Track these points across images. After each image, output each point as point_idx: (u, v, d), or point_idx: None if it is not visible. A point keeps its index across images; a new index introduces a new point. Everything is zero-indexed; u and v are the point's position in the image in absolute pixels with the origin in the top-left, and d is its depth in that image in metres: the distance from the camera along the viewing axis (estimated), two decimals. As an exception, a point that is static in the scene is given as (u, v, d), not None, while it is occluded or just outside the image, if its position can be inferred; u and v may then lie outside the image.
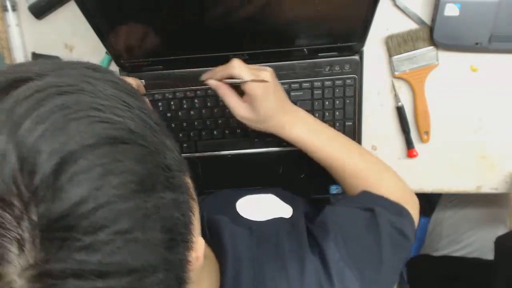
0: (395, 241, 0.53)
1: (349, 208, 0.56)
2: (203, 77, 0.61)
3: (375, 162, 0.63)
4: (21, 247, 0.23)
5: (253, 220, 0.56)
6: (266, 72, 0.57)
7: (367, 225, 0.53)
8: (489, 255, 0.92)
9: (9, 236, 0.23)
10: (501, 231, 0.92)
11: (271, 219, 0.56)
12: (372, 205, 0.55)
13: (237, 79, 0.56)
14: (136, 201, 0.26)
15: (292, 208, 0.62)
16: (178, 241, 0.30)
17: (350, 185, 0.62)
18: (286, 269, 0.47)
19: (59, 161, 0.24)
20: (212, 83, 0.58)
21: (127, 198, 0.26)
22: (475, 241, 0.94)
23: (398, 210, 0.56)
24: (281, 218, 0.57)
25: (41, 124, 0.25)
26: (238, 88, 0.58)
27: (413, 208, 0.59)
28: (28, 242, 0.23)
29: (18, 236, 0.23)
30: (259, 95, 0.56)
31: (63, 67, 0.30)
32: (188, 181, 0.34)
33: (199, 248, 0.34)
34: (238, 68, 0.55)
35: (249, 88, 0.56)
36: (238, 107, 0.58)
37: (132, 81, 0.62)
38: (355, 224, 0.53)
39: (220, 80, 0.58)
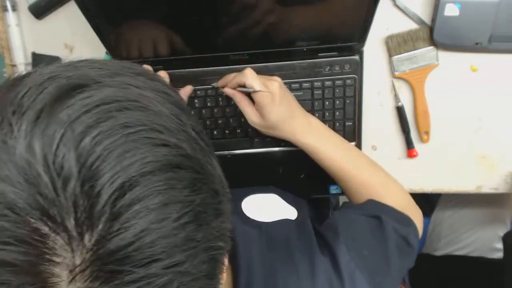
0: (400, 249, 0.54)
1: (357, 215, 0.57)
2: (218, 84, 0.65)
3: (382, 173, 0.64)
4: (72, 275, 0.22)
5: (260, 221, 0.57)
6: (274, 83, 0.59)
7: (374, 232, 0.54)
8: (489, 255, 0.92)
9: (60, 262, 0.22)
10: (501, 230, 0.92)
11: (278, 220, 0.57)
12: (379, 213, 0.56)
13: (248, 87, 0.59)
14: (189, 232, 0.25)
15: (296, 209, 0.62)
16: (219, 270, 0.29)
17: (356, 194, 0.63)
18: (297, 270, 0.47)
19: (119, 187, 0.23)
20: (228, 91, 0.62)
21: (182, 230, 0.25)
22: (475, 241, 0.94)
23: (404, 219, 0.58)
24: (288, 220, 0.57)
25: (102, 144, 0.24)
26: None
27: (417, 218, 0.60)
28: (80, 270, 0.22)
29: (69, 263, 0.22)
30: (266, 104, 0.58)
31: (116, 72, 0.29)
32: (229, 204, 0.32)
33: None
34: (250, 77, 0.58)
35: (258, 97, 0.59)
36: (251, 114, 0.61)
37: (163, 74, 0.65)
38: (364, 230, 0.54)
39: (234, 88, 0.61)
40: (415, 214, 0.61)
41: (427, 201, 1.02)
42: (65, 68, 0.28)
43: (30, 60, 0.75)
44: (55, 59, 0.75)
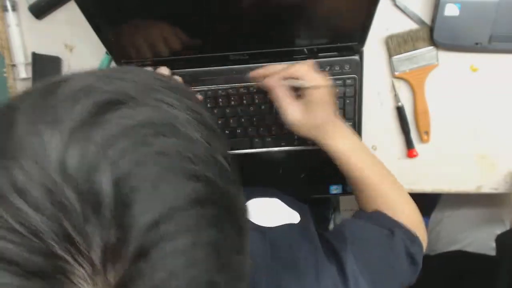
0: (407, 265, 0.55)
1: (369, 224, 0.57)
2: (255, 74, 0.60)
3: (401, 190, 0.64)
4: None
5: (263, 226, 0.56)
6: (328, 81, 0.57)
7: (384, 244, 0.54)
8: (489, 253, 0.92)
9: None
10: (501, 230, 0.92)
11: (282, 225, 0.56)
12: (391, 227, 0.57)
13: (298, 80, 0.56)
14: (213, 277, 0.24)
15: (299, 213, 0.62)
16: None
17: (372, 206, 0.63)
18: (303, 277, 0.47)
19: (150, 223, 0.22)
20: (270, 82, 0.58)
21: (206, 273, 0.24)
22: (474, 241, 0.94)
23: (413, 237, 0.58)
24: (292, 224, 0.57)
25: (136, 172, 0.23)
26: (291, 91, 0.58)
27: (424, 239, 0.62)
28: None
29: None
30: (317, 100, 0.56)
31: (150, 87, 0.28)
32: (249, 238, 0.31)
33: None
34: (306, 70, 0.56)
35: (310, 92, 0.56)
36: (291, 110, 0.58)
37: (165, 70, 0.63)
38: (374, 241, 0.55)
39: (279, 79, 0.58)
40: (423, 235, 0.62)
41: (427, 201, 1.02)
42: (101, 80, 0.26)
43: (30, 60, 0.75)
44: (55, 59, 0.75)
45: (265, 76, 0.59)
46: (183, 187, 0.24)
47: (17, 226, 0.21)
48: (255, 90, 0.69)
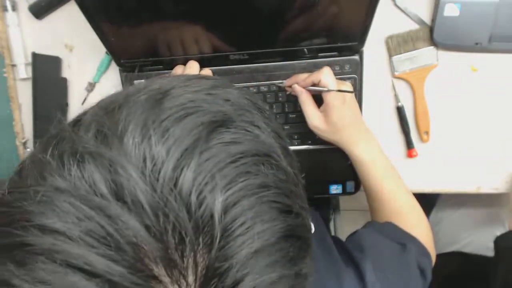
0: (418, 278, 0.56)
1: (383, 238, 0.58)
2: (287, 82, 0.63)
3: (416, 205, 0.65)
4: None
5: None
6: (347, 87, 0.59)
7: (398, 257, 0.55)
8: (488, 254, 0.92)
9: None
10: (500, 231, 0.92)
11: None
12: (404, 240, 0.58)
13: (321, 86, 0.58)
14: None
15: (313, 223, 0.63)
16: None
17: (384, 217, 0.64)
18: (324, 283, 0.48)
19: (248, 256, 0.22)
20: (298, 89, 0.61)
21: None
22: (474, 241, 0.94)
23: (424, 252, 0.59)
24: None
25: (240, 203, 0.23)
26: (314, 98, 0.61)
27: (432, 252, 0.62)
28: None
29: None
30: (337, 105, 0.58)
31: (243, 107, 0.28)
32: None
33: None
34: (328, 75, 0.58)
35: (330, 97, 0.58)
36: (314, 115, 0.60)
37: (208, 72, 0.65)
38: (389, 254, 0.56)
39: (304, 87, 0.60)
40: (432, 250, 0.62)
41: (426, 201, 1.02)
42: (204, 97, 0.26)
43: (30, 60, 0.75)
44: (55, 59, 0.75)
45: (291, 84, 0.62)
46: (278, 223, 0.24)
47: (125, 246, 0.21)
48: (254, 90, 0.69)
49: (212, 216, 0.22)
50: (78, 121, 0.26)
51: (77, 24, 0.72)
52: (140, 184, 0.22)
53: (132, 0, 0.58)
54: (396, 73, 0.70)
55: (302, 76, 0.61)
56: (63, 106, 0.76)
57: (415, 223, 0.62)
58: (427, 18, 0.68)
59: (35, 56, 0.75)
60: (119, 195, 0.21)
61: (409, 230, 0.60)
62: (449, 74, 0.70)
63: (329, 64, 0.68)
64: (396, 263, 0.55)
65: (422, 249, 0.59)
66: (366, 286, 0.49)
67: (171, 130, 0.24)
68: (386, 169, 0.63)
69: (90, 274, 0.20)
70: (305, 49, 0.66)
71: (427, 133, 0.71)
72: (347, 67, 0.68)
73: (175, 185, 0.22)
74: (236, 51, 0.66)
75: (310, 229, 0.29)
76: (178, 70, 0.65)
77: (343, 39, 0.65)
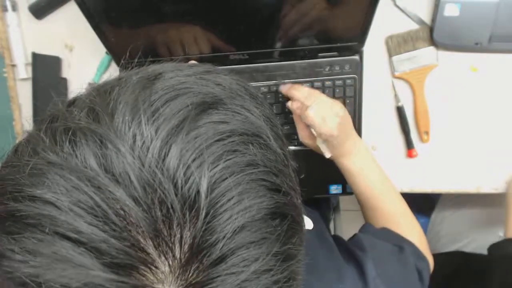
0: (416, 279, 0.56)
1: (380, 241, 0.58)
2: (282, 89, 0.64)
3: (408, 212, 0.66)
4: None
5: None
6: (339, 105, 0.60)
7: (396, 257, 0.56)
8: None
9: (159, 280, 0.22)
10: (500, 231, 0.92)
11: None
12: (401, 243, 0.58)
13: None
14: (281, 286, 0.25)
15: (311, 220, 0.63)
16: None
17: (378, 224, 0.64)
18: (325, 278, 0.48)
19: (234, 230, 0.23)
20: (290, 107, 0.62)
21: (276, 283, 0.24)
22: (474, 241, 0.94)
23: (421, 256, 0.60)
24: (307, 229, 0.58)
25: (227, 180, 0.23)
26: None
27: (430, 259, 0.63)
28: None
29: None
30: (313, 122, 0.58)
31: (236, 92, 0.28)
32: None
33: None
34: (297, 100, 0.60)
35: (305, 116, 0.58)
36: (302, 134, 0.62)
37: None
38: (388, 253, 0.56)
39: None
40: (429, 258, 0.63)
41: (427, 201, 1.02)
42: (195, 80, 0.27)
43: (30, 60, 0.75)
44: (55, 59, 0.75)
45: (288, 98, 0.63)
46: (265, 200, 0.25)
47: (112, 216, 0.21)
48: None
49: (198, 191, 0.22)
50: (72, 102, 0.27)
51: (77, 24, 0.72)
52: (129, 158, 0.22)
53: (132, 0, 0.58)
54: (396, 73, 0.70)
55: (297, 94, 0.61)
56: (63, 106, 0.76)
57: (408, 229, 0.63)
58: (427, 18, 0.68)
59: (35, 56, 0.75)
60: (108, 169, 0.22)
61: (402, 234, 0.61)
62: (449, 74, 0.69)
63: (329, 64, 0.68)
64: (395, 262, 0.55)
65: (419, 253, 0.59)
66: (367, 281, 0.49)
67: (161, 110, 0.24)
68: (377, 177, 0.63)
69: (77, 241, 0.21)
70: (305, 49, 0.66)
71: (427, 133, 0.71)
72: (347, 67, 0.68)
73: (163, 161, 0.22)
74: (236, 51, 0.66)
75: (301, 209, 0.29)
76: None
77: (343, 39, 0.65)
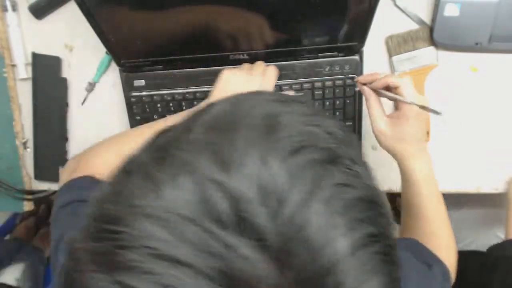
0: None
1: (410, 254, 0.58)
2: (359, 79, 0.61)
3: (449, 227, 0.65)
4: None
5: None
6: (425, 100, 0.58)
7: (423, 276, 0.55)
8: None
9: None
10: (500, 231, 0.92)
11: None
12: (431, 261, 0.57)
13: (397, 94, 0.56)
14: None
15: None
16: None
17: (418, 234, 0.63)
18: None
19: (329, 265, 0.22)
20: (366, 91, 0.59)
21: None
22: (474, 241, 0.94)
23: (447, 277, 0.59)
24: None
25: (353, 255, 0.23)
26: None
27: (454, 273, 0.62)
28: None
29: None
30: (412, 117, 0.56)
31: (339, 139, 0.27)
32: None
33: None
34: (409, 87, 0.56)
35: (408, 107, 0.56)
36: (380, 120, 0.58)
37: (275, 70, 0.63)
38: (415, 271, 0.55)
39: (376, 87, 0.58)
40: (454, 274, 0.62)
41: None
42: (311, 129, 0.26)
43: (30, 60, 0.75)
44: (55, 59, 0.75)
45: (366, 83, 0.60)
46: (386, 279, 0.24)
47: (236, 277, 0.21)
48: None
49: (333, 264, 0.22)
50: (185, 132, 0.26)
51: (77, 24, 0.72)
52: (263, 217, 0.22)
53: (132, 1, 0.58)
54: (396, 73, 0.70)
55: (377, 76, 0.59)
56: (63, 106, 0.76)
57: (444, 244, 0.62)
58: (427, 18, 0.68)
59: (35, 56, 0.75)
60: (241, 226, 0.22)
61: (436, 251, 0.59)
62: (449, 74, 0.69)
63: (329, 64, 0.68)
64: (421, 281, 0.54)
65: (446, 274, 0.58)
66: None
67: (288, 162, 0.24)
68: (435, 192, 0.62)
69: None
70: (305, 49, 0.66)
71: (427, 133, 0.71)
72: (347, 67, 0.68)
73: (299, 225, 0.22)
74: (236, 51, 0.66)
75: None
76: (246, 66, 0.65)
77: (343, 39, 0.65)
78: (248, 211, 0.22)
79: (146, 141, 0.28)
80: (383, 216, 0.26)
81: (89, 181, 0.56)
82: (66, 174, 0.61)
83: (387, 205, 0.27)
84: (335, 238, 0.22)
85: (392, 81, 0.56)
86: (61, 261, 0.47)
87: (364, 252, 0.23)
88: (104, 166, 0.60)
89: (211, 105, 0.29)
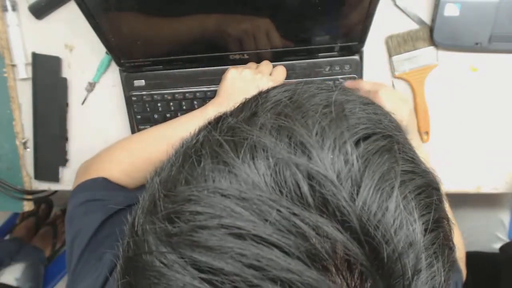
0: None
1: None
2: (348, 84, 0.64)
3: (455, 223, 0.65)
4: None
5: None
6: (405, 109, 0.61)
7: None
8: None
9: None
10: (499, 231, 0.92)
11: None
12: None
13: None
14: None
15: None
16: None
17: None
18: None
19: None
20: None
21: None
22: (474, 241, 0.94)
23: (457, 268, 0.60)
24: None
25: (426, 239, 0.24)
26: None
27: (464, 269, 0.63)
28: None
29: None
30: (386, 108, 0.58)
31: (395, 127, 0.29)
32: None
33: None
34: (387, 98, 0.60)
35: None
36: None
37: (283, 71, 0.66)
38: None
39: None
40: (464, 269, 0.63)
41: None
42: (373, 117, 0.27)
43: (30, 60, 0.75)
44: (55, 59, 0.75)
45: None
46: (446, 262, 0.26)
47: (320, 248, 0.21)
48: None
49: (407, 246, 0.23)
50: (252, 117, 0.27)
51: (77, 24, 0.72)
52: (344, 198, 0.22)
53: (132, 0, 0.58)
54: (396, 73, 0.70)
55: (364, 85, 0.61)
56: (63, 106, 0.76)
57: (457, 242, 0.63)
58: (427, 18, 0.68)
59: (35, 56, 0.75)
60: (324, 207, 0.22)
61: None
62: (449, 74, 0.69)
63: (329, 64, 0.68)
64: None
65: (457, 266, 0.59)
66: None
67: (360, 148, 0.24)
68: None
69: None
70: (305, 49, 0.66)
71: (427, 133, 0.71)
72: (347, 67, 0.68)
73: (376, 209, 0.23)
74: (236, 51, 0.66)
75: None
76: (252, 65, 0.66)
77: (343, 39, 0.65)
78: (330, 192, 0.22)
79: (201, 126, 0.29)
80: (441, 201, 0.27)
81: (102, 182, 0.58)
82: (78, 177, 0.62)
83: (443, 190, 0.29)
84: (409, 222, 0.23)
85: (373, 92, 0.59)
86: (99, 252, 0.48)
87: (430, 235, 0.24)
88: (116, 168, 0.60)
89: (265, 94, 0.29)
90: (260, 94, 0.30)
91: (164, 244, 0.23)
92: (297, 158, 0.23)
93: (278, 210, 0.22)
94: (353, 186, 0.23)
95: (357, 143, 0.25)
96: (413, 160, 0.27)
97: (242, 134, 0.25)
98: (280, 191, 0.22)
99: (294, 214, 0.22)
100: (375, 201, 0.23)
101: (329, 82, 0.69)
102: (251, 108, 0.28)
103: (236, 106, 0.30)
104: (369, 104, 0.29)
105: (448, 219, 0.27)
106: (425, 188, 0.25)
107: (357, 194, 0.23)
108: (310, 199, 0.22)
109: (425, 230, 0.24)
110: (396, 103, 0.57)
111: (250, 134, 0.25)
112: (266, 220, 0.21)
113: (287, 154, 0.23)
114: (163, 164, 0.28)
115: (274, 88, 0.30)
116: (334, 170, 0.23)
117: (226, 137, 0.26)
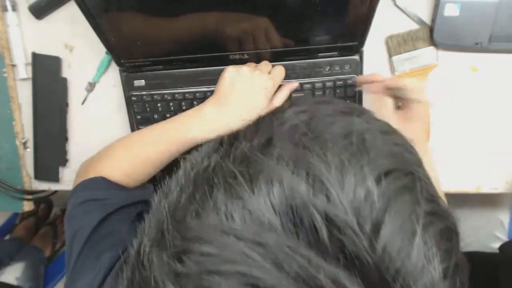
0: None
1: None
2: (362, 79, 0.63)
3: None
4: None
5: None
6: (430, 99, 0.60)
7: None
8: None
9: None
10: (499, 231, 0.92)
11: None
12: None
13: (403, 94, 0.59)
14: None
15: None
16: None
17: None
18: None
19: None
20: (373, 89, 0.61)
21: None
22: (474, 241, 0.94)
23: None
24: None
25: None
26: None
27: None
28: None
29: None
30: (419, 115, 0.58)
31: (415, 157, 0.28)
32: None
33: None
34: (417, 90, 0.58)
35: (415, 105, 0.58)
36: (391, 120, 0.61)
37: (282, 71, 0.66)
38: None
39: (383, 87, 0.60)
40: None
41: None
42: (395, 149, 0.27)
43: (30, 60, 0.75)
44: (55, 59, 0.75)
45: (370, 82, 0.62)
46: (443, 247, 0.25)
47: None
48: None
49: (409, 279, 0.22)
50: (267, 145, 0.26)
51: (77, 24, 0.72)
52: (362, 245, 0.22)
53: (132, 0, 0.58)
54: (396, 73, 0.70)
55: (382, 77, 0.61)
56: (63, 106, 0.76)
57: None
58: (427, 18, 0.68)
59: (35, 56, 0.75)
60: (342, 255, 0.21)
61: None
62: (449, 74, 0.69)
63: (329, 64, 0.68)
64: None
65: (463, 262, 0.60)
66: None
67: (381, 186, 0.23)
68: (434, 175, 0.63)
69: None
70: (305, 49, 0.66)
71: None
72: (347, 67, 0.68)
73: (396, 255, 0.22)
74: (236, 51, 0.66)
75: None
76: (251, 65, 0.65)
77: (343, 39, 0.65)
78: (349, 240, 0.21)
79: (211, 147, 0.27)
80: (459, 245, 0.26)
81: (102, 181, 0.58)
82: (78, 177, 0.62)
83: (459, 231, 0.28)
84: (430, 268, 0.22)
85: (404, 83, 0.58)
86: (98, 250, 0.48)
87: (448, 283, 0.24)
88: (115, 167, 0.60)
89: (280, 115, 0.28)
90: (275, 113, 0.29)
91: (172, 283, 0.22)
92: (315, 199, 0.22)
93: (295, 259, 0.21)
94: (374, 230, 0.22)
95: (378, 179, 0.24)
96: (433, 199, 0.26)
97: (257, 165, 0.24)
98: (297, 233, 0.21)
99: (312, 263, 0.20)
100: (395, 247, 0.22)
101: (347, 101, 0.68)
102: (266, 131, 0.27)
103: (249, 125, 0.29)
104: (389, 133, 0.28)
105: (465, 263, 0.27)
106: (445, 233, 0.25)
107: (377, 239, 0.22)
108: (328, 245, 0.21)
109: (444, 276, 0.23)
110: (426, 123, 0.59)
111: (266, 165, 0.24)
112: (283, 270, 0.20)
113: (305, 192, 0.22)
114: (170, 185, 0.27)
115: (289, 107, 0.29)
116: (354, 213, 0.22)
117: (241, 168, 0.24)
